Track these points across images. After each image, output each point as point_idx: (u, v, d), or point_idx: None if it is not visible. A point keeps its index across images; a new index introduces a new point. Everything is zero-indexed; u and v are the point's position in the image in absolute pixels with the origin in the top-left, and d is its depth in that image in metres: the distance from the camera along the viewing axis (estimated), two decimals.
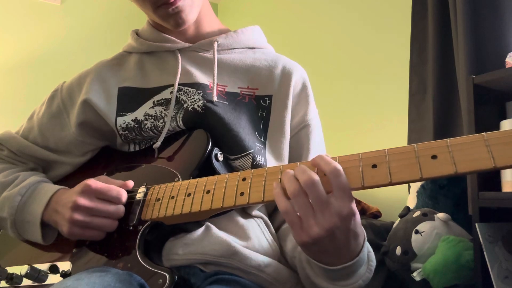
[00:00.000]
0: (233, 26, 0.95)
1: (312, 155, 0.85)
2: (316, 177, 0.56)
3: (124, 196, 0.73)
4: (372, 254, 0.70)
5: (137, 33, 0.95)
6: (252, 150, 0.80)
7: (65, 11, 2.95)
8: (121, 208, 0.73)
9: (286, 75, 0.88)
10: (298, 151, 0.86)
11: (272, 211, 0.87)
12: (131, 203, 0.76)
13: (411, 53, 1.85)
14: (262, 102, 0.86)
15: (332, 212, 0.56)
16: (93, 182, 0.72)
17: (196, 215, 0.68)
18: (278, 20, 2.84)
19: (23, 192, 0.79)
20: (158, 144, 0.81)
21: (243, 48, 0.92)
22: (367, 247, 0.67)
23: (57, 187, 0.80)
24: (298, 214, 0.57)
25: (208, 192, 0.66)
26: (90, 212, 0.71)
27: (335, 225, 0.56)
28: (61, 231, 0.75)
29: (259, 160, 0.80)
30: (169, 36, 0.90)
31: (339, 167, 0.56)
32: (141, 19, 0.95)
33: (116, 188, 0.73)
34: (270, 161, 0.82)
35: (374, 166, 0.55)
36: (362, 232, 0.62)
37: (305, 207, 0.56)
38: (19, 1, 2.80)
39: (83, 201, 0.70)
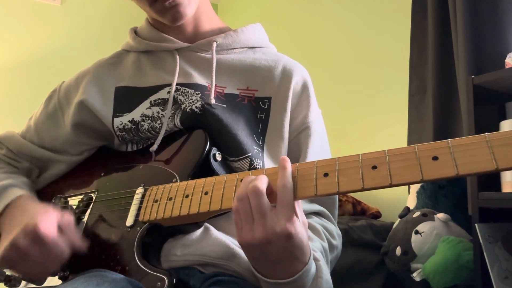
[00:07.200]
0: (233, 27, 0.94)
1: (309, 159, 0.83)
2: (262, 188, 0.57)
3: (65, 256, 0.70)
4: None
5: (135, 31, 0.94)
6: (250, 154, 0.79)
7: (65, 11, 2.95)
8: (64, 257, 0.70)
9: (286, 76, 0.86)
10: (297, 154, 0.84)
11: None
12: (128, 204, 0.75)
13: (411, 54, 1.84)
14: (261, 104, 0.85)
15: (267, 225, 0.56)
16: (45, 229, 0.67)
17: (194, 217, 0.68)
18: (278, 21, 2.84)
19: None
20: (155, 147, 0.80)
21: (243, 48, 0.91)
22: (310, 277, 0.63)
23: (19, 192, 0.79)
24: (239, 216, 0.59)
25: (206, 193, 0.66)
26: (24, 256, 0.68)
27: (266, 239, 0.56)
28: None
29: (256, 164, 0.79)
30: (167, 36, 0.89)
31: (290, 184, 0.58)
32: (141, 19, 0.95)
33: (61, 247, 0.69)
34: (268, 165, 0.81)
35: (374, 167, 0.54)
36: (303, 259, 0.60)
37: (245, 213, 0.58)
38: (19, 1, 2.80)
39: (22, 243, 0.67)
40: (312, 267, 0.63)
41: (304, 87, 0.88)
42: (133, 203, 0.75)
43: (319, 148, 0.86)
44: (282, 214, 0.56)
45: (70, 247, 0.70)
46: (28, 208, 0.75)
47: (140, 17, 0.94)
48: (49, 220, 0.69)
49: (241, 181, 0.63)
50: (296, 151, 0.85)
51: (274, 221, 0.56)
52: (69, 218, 0.72)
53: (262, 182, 0.58)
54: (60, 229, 0.70)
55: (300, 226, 0.58)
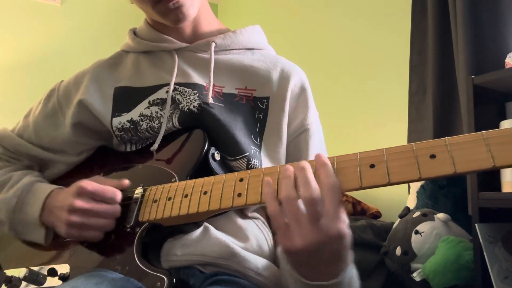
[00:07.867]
0: (233, 27, 0.94)
1: None
2: (318, 195, 0.54)
3: (118, 196, 0.73)
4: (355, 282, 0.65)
5: (134, 32, 0.94)
6: (248, 153, 0.79)
7: (65, 11, 2.95)
8: (118, 207, 0.73)
9: (285, 78, 0.87)
10: (296, 156, 0.85)
11: None
12: (128, 204, 0.75)
13: (411, 53, 1.84)
14: (259, 104, 0.85)
15: (321, 228, 0.53)
16: (88, 184, 0.71)
17: (193, 217, 0.68)
18: (278, 21, 2.84)
19: (18, 194, 0.79)
20: (155, 146, 0.80)
21: (241, 49, 0.91)
22: (351, 276, 0.61)
23: (51, 187, 0.80)
24: (286, 220, 0.55)
25: (205, 193, 0.66)
26: (87, 213, 0.71)
27: (318, 242, 0.54)
28: (58, 232, 0.74)
29: (254, 164, 0.79)
30: (166, 36, 0.89)
31: (338, 183, 0.55)
32: (141, 19, 0.95)
33: (111, 189, 0.72)
34: (265, 165, 0.81)
35: (372, 166, 0.54)
36: (346, 258, 0.58)
37: (295, 216, 0.55)
38: (19, 1, 2.80)
39: (80, 203, 0.70)
40: (353, 268, 0.61)
41: (302, 89, 0.88)
42: (132, 202, 0.75)
43: (319, 150, 0.86)
44: (335, 215, 0.54)
45: (119, 188, 0.74)
46: (62, 190, 0.78)
47: (140, 17, 0.94)
48: (86, 181, 0.73)
49: (240, 180, 0.64)
50: (296, 153, 0.85)
51: (327, 224, 0.53)
52: (98, 176, 0.78)
53: (313, 187, 0.54)
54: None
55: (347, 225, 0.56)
